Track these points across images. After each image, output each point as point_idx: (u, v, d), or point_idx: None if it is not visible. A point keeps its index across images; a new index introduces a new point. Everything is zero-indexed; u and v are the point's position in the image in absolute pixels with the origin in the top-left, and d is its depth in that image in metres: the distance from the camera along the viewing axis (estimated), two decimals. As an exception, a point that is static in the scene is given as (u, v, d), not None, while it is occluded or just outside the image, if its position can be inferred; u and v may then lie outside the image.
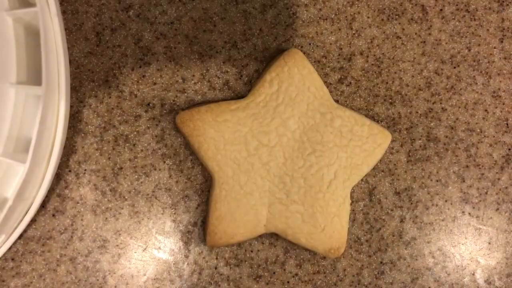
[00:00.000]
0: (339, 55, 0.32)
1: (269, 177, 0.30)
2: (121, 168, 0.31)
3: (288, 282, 0.31)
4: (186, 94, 0.31)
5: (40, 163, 0.27)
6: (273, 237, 0.31)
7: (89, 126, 0.30)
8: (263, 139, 0.30)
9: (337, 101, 0.31)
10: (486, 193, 0.32)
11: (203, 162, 0.30)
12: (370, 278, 0.32)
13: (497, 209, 0.32)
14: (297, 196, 0.30)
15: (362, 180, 0.32)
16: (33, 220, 0.30)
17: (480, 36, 0.32)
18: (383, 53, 0.32)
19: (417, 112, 0.32)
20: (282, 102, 0.30)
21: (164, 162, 0.31)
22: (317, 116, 0.30)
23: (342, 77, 0.32)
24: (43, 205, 0.30)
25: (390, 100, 0.32)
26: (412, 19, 0.32)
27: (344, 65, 0.32)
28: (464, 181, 0.32)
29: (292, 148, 0.30)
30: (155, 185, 0.31)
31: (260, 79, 0.30)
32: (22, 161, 0.26)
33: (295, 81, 0.30)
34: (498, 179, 0.32)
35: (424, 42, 0.32)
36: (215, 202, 0.30)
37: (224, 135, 0.29)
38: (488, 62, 0.32)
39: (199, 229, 0.31)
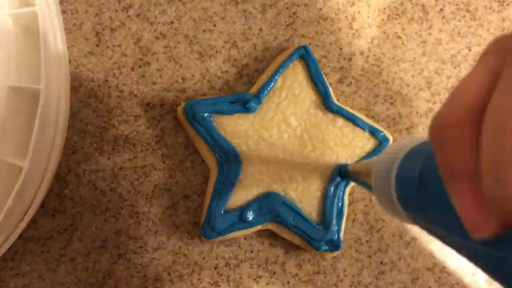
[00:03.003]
0: (339, 55, 0.32)
1: (268, 173, 0.30)
2: (121, 168, 0.31)
3: (288, 282, 0.31)
4: (186, 94, 0.31)
5: (40, 163, 0.27)
6: (273, 237, 0.31)
7: (89, 126, 0.30)
8: (264, 134, 0.30)
9: (337, 101, 0.31)
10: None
11: (202, 155, 0.30)
12: (370, 278, 0.31)
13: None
14: (295, 194, 0.30)
15: (362, 180, 0.32)
16: (33, 220, 0.30)
17: (480, 36, 0.32)
18: (383, 53, 0.32)
19: (417, 112, 0.32)
20: (285, 98, 0.30)
21: (164, 162, 0.31)
22: (319, 115, 0.30)
23: (342, 77, 0.32)
24: (43, 205, 0.30)
25: (391, 100, 0.32)
26: (412, 19, 0.32)
27: (344, 65, 0.32)
28: None
29: (292, 145, 0.30)
30: (155, 185, 0.31)
31: (264, 74, 0.30)
32: (22, 161, 0.26)
33: (299, 78, 0.30)
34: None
35: (425, 42, 0.32)
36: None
37: (225, 128, 0.29)
38: (489, 62, 0.32)
39: (199, 229, 0.31)
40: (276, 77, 0.30)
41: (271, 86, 0.30)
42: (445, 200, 0.14)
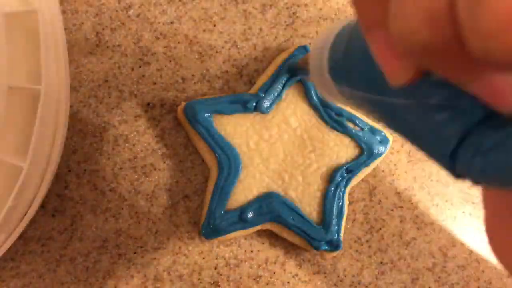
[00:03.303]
0: (339, 55, 0.32)
1: (268, 173, 0.30)
2: (121, 168, 0.31)
3: (288, 282, 0.31)
4: (186, 94, 0.31)
5: (40, 163, 0.27)
6: (273, 237, 0.31)
7: (89, 126, 0.30)
8: (264, 134, 0.30)
9: (337, 101, 0.31)
10: (486, 193, 0.32)
11: (202, 155, 0.30)
12: (370, 278, 0.32)
13: (497, 209, 0.32)
14: (295, 194, 0.30)
15: (362, 180, 0.32)
16: (33, 220, 0.30)
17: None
18: (383, 53, 0.32)
19: (417, 112, 0.32)
20: (285, 99, 0.30)
21: (164, 162, 0.31)
22: (319, 115, 0.30)
23: (342, 77, 0.32)
24: (43, 205, 0.30)
25: (390, 100, 0.32)
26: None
27: (344, 65, 0.32)
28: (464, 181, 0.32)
29: (292, 145, 0.30)
30: (155, 185, 0.31)
31: (264, 74, 0.30)
32: (22, 161, 0.26)
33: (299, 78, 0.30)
34: (498, 179, 0.32)
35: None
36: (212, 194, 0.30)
37: (225, 128, 0.29)
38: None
39: (199, 229, 0.31)
40: (281, 87, 0.30)
41: (275, 95, 0.30)
42: (366, 60, 0.15)
